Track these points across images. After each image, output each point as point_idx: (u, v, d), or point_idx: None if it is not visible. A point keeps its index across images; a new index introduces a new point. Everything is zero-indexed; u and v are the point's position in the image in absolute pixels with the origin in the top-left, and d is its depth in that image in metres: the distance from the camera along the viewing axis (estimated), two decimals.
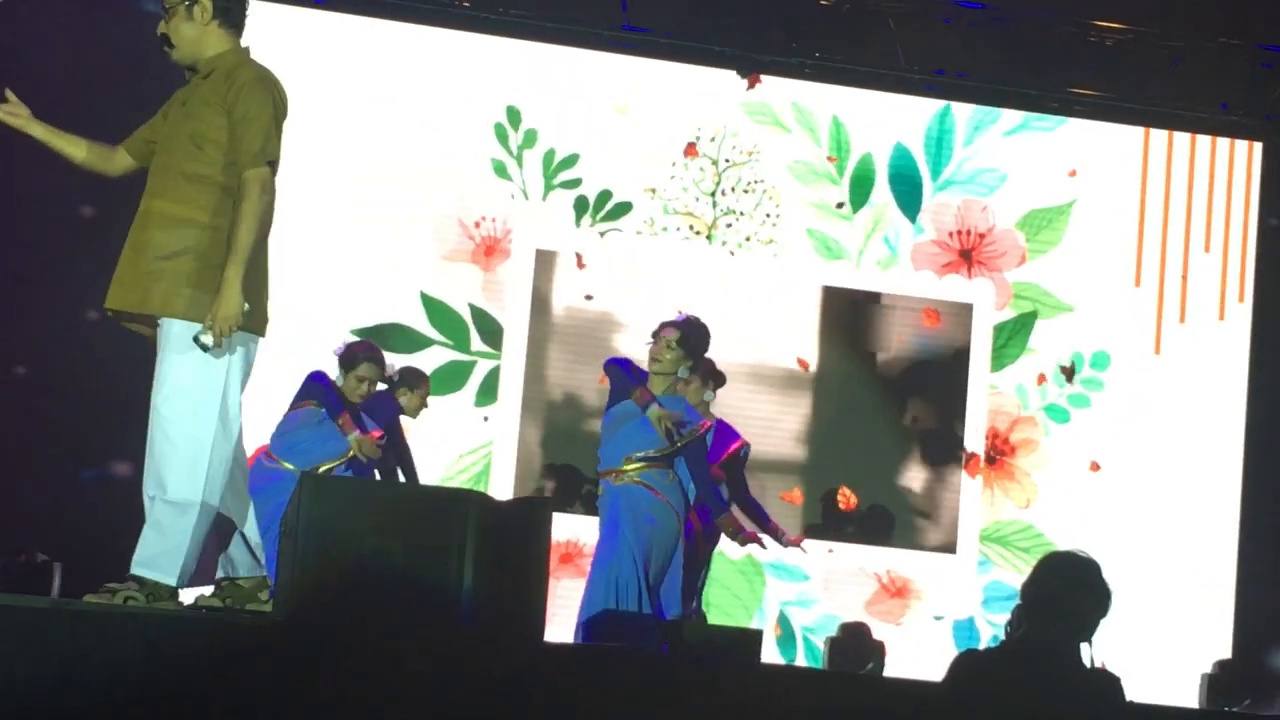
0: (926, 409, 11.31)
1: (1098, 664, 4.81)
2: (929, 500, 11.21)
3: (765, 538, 8.49)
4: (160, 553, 5.65)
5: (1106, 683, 4.76)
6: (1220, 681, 9.86)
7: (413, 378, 9.18)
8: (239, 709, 4.78)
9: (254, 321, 5.76)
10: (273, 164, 5.80)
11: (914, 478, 11.19)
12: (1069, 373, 11.40)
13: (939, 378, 11.33)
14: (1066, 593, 4.76)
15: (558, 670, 5.20)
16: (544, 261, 11.01)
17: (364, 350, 8.84)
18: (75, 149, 6.03)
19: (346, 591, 5.30)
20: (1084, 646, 4.76)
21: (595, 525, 10.58)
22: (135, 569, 5.65)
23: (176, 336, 5.67)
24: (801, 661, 10.65)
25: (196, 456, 5.69)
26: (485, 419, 10.77)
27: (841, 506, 9.73)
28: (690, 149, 11.22)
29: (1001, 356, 11.42)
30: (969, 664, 4.95)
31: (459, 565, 5.39)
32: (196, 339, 5.59)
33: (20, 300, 10.23)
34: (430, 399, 9.38)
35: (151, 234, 5.73)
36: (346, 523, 5.36)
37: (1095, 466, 11.26)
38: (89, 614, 5.05)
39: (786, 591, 10.60)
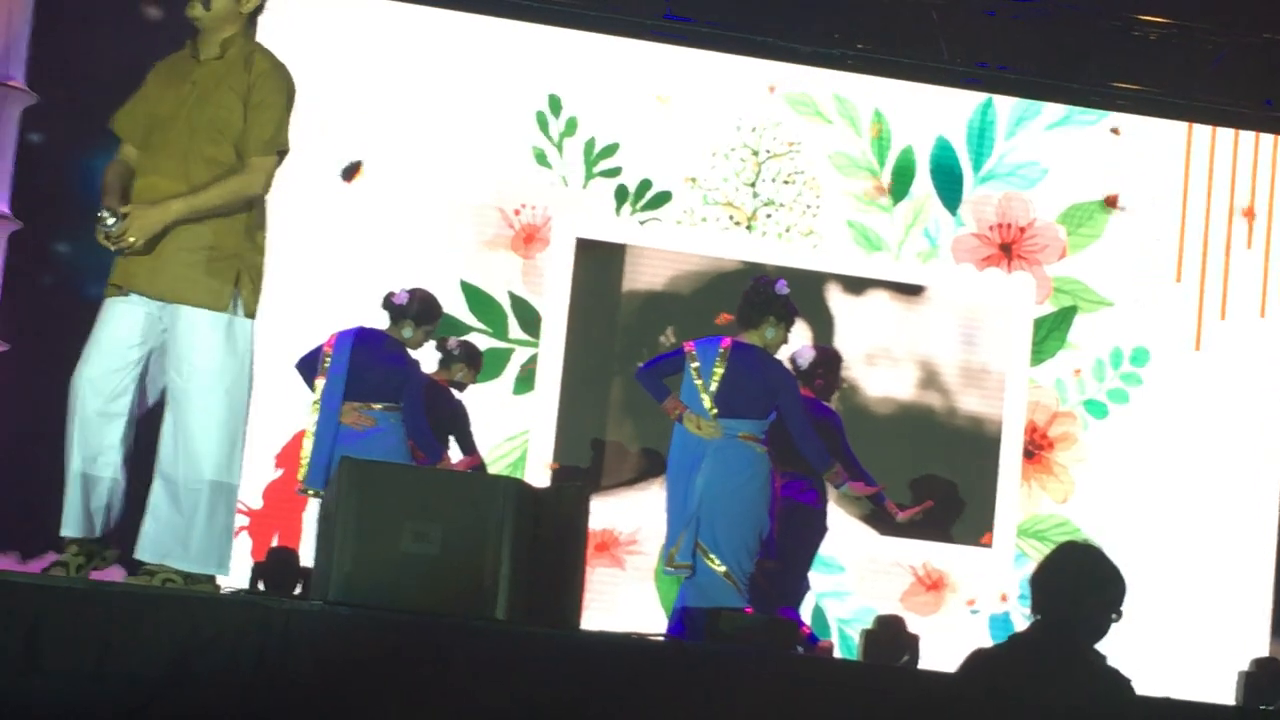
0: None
1: (1115, 661, 4.76)
2: (967, 493, 11.19)
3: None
4: (204, 543, 5.69)
5: (1112, 682, 4.71)
6: (1257, 679, 9.80)
7: (472, 354, 9.44)
8: (273, 693, 4.79)
9: (252, 307, 5.82)
10: (281, 154, 5.85)
11: (952, 471, 11.17)
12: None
13: (978, 370, 11.32)
14: (1072, 587, 4.72)
15: (592, 659, 5.20)
16: (584, 250, 11.01)
17: (437, 309, 8.91)
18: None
19: (382, 577, 5.32)
20: (1095, 638, 4.71)
21: (631, 513, 10.65)
22: (179, 564, 5.66)
23: (207, 325, 5.70)
24: (836, 654, 10.63)
25: (234, 439, 5.73)
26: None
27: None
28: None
29: (1041, 351, 11.39)
30: (978, 661, 4.92)
31: (496, 552, 5.40)
32: (101, 218, 5.62)
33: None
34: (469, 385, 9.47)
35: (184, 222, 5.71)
36: (384, 508, 5.38)
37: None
38: (128, 595, 5.06)
39: (822, 583, 10.59)
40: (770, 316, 8.07)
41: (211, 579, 5.74)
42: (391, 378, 8.54)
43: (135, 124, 5.90)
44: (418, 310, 8.73)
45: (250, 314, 5.80)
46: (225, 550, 5.75)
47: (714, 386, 7.92)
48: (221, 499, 5.71)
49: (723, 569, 7.77)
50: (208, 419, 5.69)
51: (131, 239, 5.62)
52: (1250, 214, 11.61)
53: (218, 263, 5.72)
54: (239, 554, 10.01)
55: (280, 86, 5.85)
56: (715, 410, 7.91)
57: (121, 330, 5.76)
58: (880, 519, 10.49)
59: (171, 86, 5.86)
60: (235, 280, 5.73)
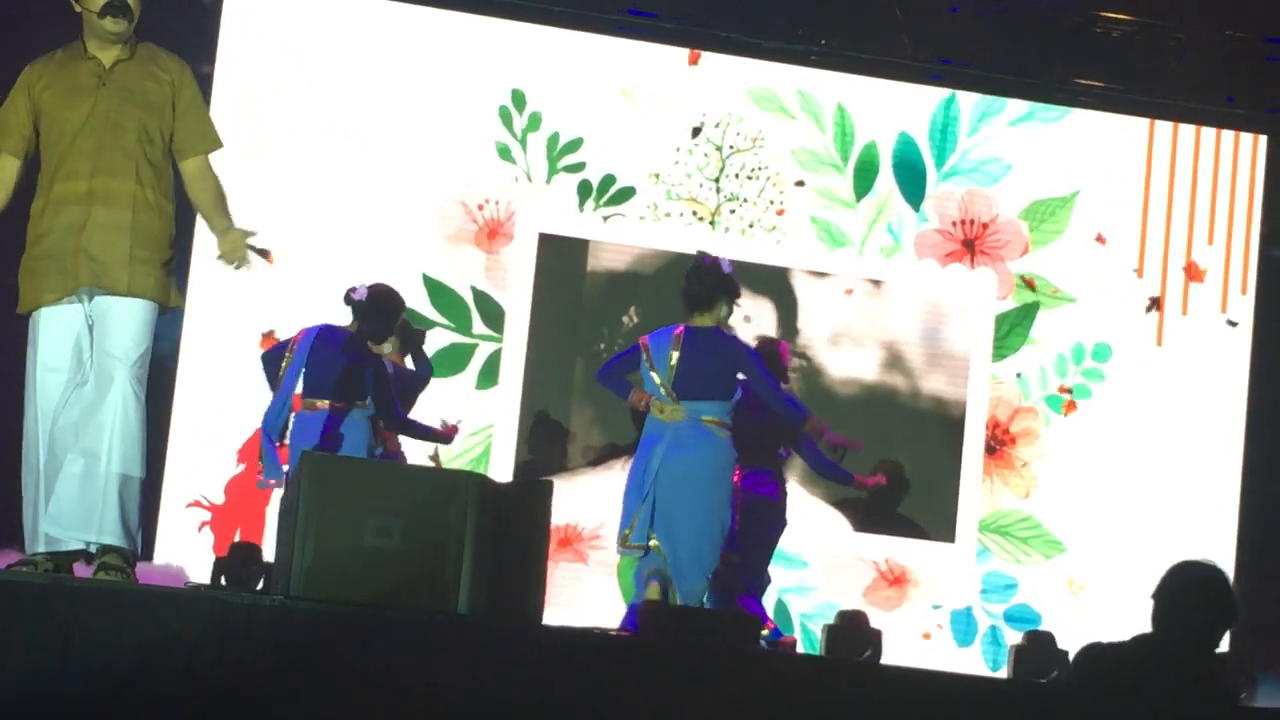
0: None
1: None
2: (929, 488, 11.22)
3: None
4: (130, 522, 5.84)
5: (1217, 693, 4.87)
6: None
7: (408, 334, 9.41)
8: (236, 690, 4.78)
9: (179, 301, 6.14)
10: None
11: (914, 463, 11.18)
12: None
13: (940, 365, 11.35)
14: (1186, 603, 4.88)
15: (554, 654, 5.20)
16: (547, 245, 11.00)
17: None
18: None
19: (344, 572, 5.31)
20: (1208, 650, 4.88)
21: (594, 508, 10.65)
22: (116, 541, 5.74)
23: (143, 315, 5.88)
24: (799, 649, 10.65)
25: (142, 432, 5.88)
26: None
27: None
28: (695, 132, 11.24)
29: (1003, 347, 11.42)
30: (1097, 653, 5.09)
31: (457, 547, 5.39)
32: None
33: None
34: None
35: (138, 220, 5.90)
36: (346, 503, 5.37)
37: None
38: (89, 591, 5.04)
39: (785, 578, 10.60)
40: (724, 296, 8.13)
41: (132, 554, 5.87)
42: (351, 375, 8.50)
43: (15, 135, 6.00)
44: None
45: (164, 312, 6.01)
46: (136, 531, 5.88)
47: (670, 373, 7.96)
48: (128, 488, 5.82)
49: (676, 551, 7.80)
50: (133, 409, 5.82)
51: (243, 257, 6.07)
52: (1157, 306, 11.64)
53: (165, 252, 5.96)
54: (202, 549, 10.07)
55: (196, 83, 6.14)
56: (674, 395, 7.94)
57: (65, 339, 5.91)
58: (851, 508, 10.53)
59: (78, 91, 5.96)
60: (162, 279, 5.93)
